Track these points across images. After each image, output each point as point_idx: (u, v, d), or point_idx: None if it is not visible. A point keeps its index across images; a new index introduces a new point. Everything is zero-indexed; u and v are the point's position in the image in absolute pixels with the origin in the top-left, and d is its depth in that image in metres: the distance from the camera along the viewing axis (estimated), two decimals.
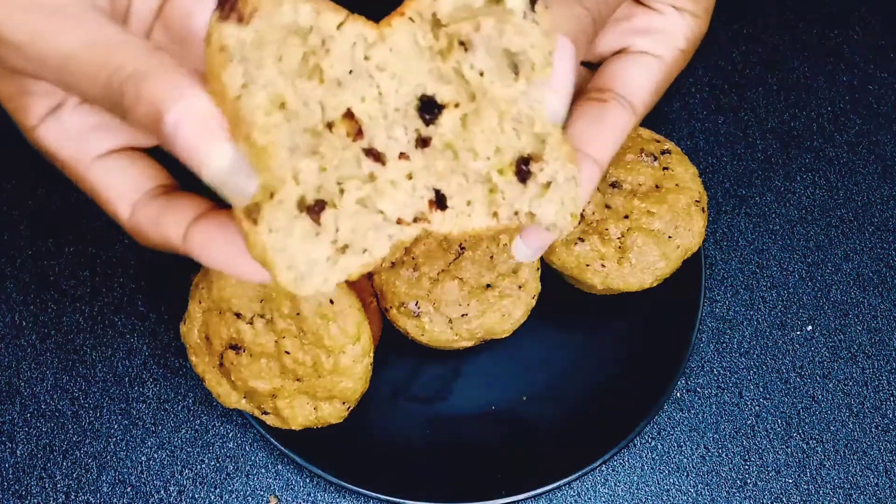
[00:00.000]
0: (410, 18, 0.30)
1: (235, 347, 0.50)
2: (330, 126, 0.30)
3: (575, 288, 0.57)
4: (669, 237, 0.53)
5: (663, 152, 0.55)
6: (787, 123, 0.63)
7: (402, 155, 0.31)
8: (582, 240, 0.53)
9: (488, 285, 0.53)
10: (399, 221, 0.31)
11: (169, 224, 0.33)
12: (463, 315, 0.53)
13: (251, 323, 0.49)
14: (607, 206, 0.53)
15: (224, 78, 0.28)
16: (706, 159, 0.62)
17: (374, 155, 0.31)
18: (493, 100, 0.31)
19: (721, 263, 0.60)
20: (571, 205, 0.32)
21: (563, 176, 0.31)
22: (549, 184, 0.31)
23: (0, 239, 0.59)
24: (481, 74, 0.31)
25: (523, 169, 0.31)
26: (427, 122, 0.31)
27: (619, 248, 0.53)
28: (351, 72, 0.30)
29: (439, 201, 0.32)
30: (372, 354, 0.50)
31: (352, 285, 0.50)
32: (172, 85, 0.28)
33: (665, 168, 0.54)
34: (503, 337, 0.54)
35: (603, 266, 0.52)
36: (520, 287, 0.53)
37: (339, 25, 0.30)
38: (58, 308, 0.58)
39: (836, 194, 0.62)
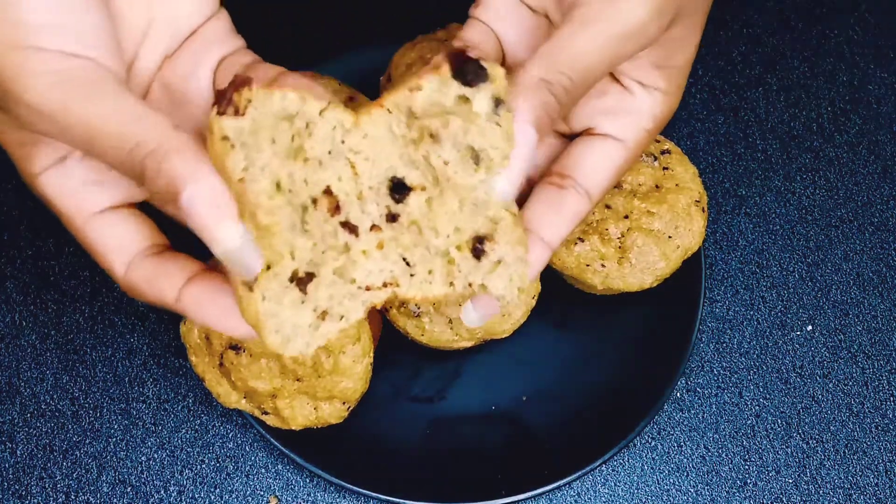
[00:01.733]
0: (388, 110, 0.34)
1: (235, 347, 0.50)
2: (314, 202, 0.34)
3: (575, 288, 0.57)
4: (669, 237, 0.53)
5: (663, 152, 0.55)
6: (787, 123, 0.63)
7: (373, 227, 0.35)
8: (582, 240, 0.53)
9: None
10: (368, 289, 0.35)
11: (163, 285, 0.35)
12: None
13: None
14: (607, 206, 0.53)
15: (227, 164, 0.31)
16: (706, 159, 0.62)
17: (350, 227, 0.34)
18: (455, 186, 0.35)
19: (721, 263, 0.60)
20: (518, 280, 0.35)
21: (512, 257, 0.35)
22: (499, 261, 0.35)
23: (0, 239, 0.59)
24: (446, 164, 0.34)
25: (478, 247, 0.35)
26: (396, 201, 0.35)
27: (619, 248, 0.53)
28: (330, 152, 0.34)
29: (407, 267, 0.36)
30: (372, 354, 0.50)
31: None
32: (189, 165, 0.31)
33: (665, 168, 0.54)
34: (503, 337, 0.54)
35: (603, 266, 0.52)
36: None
37: (322, 111, 0.33)
38: (58, 308, 0.59)
39: (836, 194, 0.62)
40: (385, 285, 0.35)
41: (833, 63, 0.64)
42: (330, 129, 0.33)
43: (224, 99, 0.31)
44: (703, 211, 0.53)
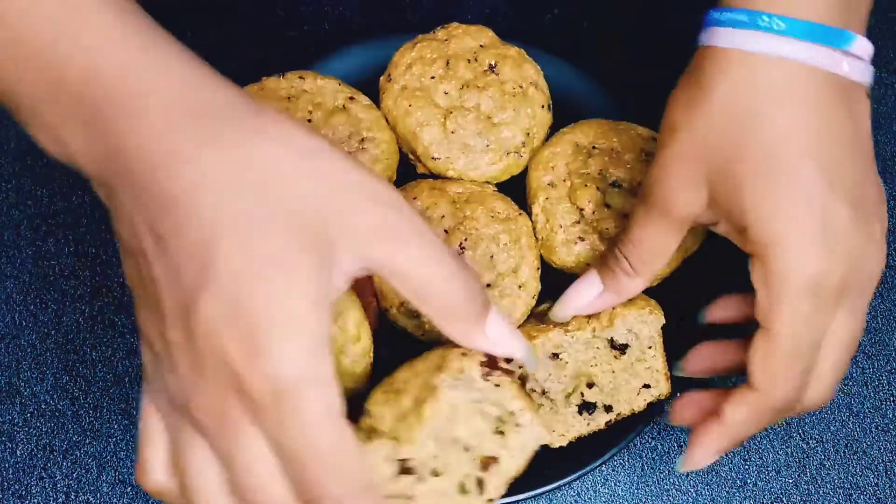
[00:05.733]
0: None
1: None
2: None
3: None
4: None
5: None
6: None
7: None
8: (582, 239, 0.53)
9: (488, 285, 0.53)
10: None
11: None
12: None
13: None
14: (607, 206, 0.53)
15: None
16: None
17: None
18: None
19: (721, 263, 0.60)
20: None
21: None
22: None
23: (0, 239, 0.59)
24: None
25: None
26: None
27: None
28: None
29: None
30: (372, 354, 0.50)
31: (352, 285, 0.50)
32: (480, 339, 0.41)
33: None
34: None
35: None
36: (520, 287, 0.53)
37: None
38: (58, 308, 0.58)
39: None
40: None
41: None
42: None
43: (495, 366, 0.40)
44: None
